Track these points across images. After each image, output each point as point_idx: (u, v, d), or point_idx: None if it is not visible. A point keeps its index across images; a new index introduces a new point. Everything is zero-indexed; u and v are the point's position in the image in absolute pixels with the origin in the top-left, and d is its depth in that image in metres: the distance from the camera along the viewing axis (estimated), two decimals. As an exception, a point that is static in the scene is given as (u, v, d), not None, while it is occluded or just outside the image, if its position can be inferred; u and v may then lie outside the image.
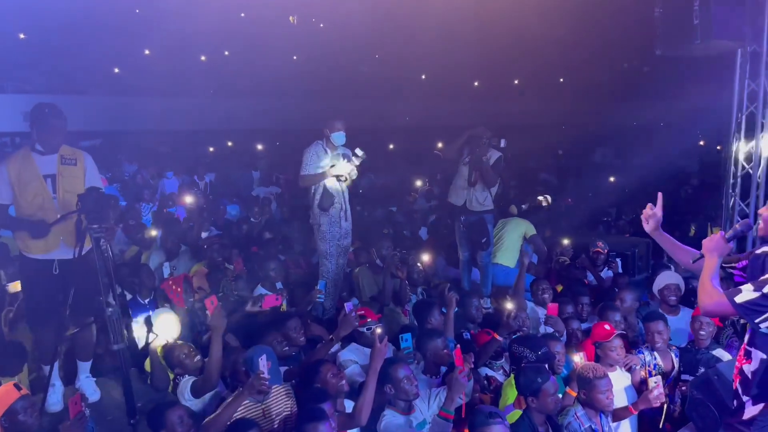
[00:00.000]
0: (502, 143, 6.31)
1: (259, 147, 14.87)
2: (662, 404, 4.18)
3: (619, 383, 4.23)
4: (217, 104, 16.20)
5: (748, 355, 2.69)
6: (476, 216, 6.36)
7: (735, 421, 2.76)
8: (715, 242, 2.72)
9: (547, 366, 4.11)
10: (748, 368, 2.68)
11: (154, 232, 7.29)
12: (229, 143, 16.48)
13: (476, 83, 21.05)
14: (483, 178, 6.21)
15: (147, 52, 16.14)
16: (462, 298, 5.50)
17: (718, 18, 6.20)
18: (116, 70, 16.57)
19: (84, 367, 4.28)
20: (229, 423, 3.39)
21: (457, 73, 18.54)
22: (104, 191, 4.10)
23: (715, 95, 8.03)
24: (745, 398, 2.70)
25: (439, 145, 15.36)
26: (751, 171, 7.19)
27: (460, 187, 6.40)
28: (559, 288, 6.32)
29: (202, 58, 16.52)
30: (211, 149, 15.74)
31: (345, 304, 4.63)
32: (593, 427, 3.79)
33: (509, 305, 4.79)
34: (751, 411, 2.67)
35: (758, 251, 2.72)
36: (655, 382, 4.10)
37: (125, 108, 15.58)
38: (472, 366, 3.76)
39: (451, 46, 15.70)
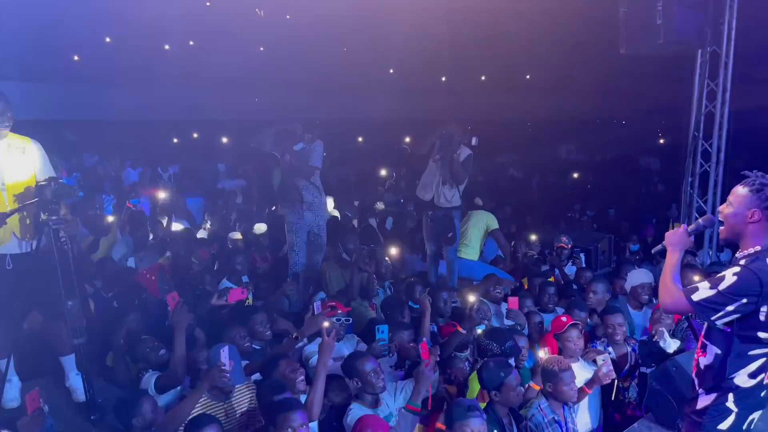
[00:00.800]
0: (474, 141, 6.32)
1: (224, 140, 14.65)
2: (613, 381, 4.31)
3: (580, 375, 4.31)
4: (181, 94, 15.89)
5: (704, 349, 2.76)
6: (443, 211, 6.40)
7: (689, 411, 2.82)
8: (678, 236, 2.78)
9: (513, 359, 4.17)
10: (703, 361, 2.75)
11: (111, 218, 7.20)
12: (195, 135, 16.19)
13: (444, 78, 21.12)
14: (452, 175, 6.25)
15: (108, 39, 15.72)
16: (430, 293, 5.57)
17: (680, 19, 6.36)
18: (76, 58, 16.10)
19: (69, 364, 4.05)
20: (188, 419, 3.34)
21: (424, 68, 18.56)
22: (63, 181, 3.97)
23: (675, 94, 8.22)
24: (699, 389, 2.78)
25: (407, 139, 15.41)
26: (709, 169, 7.40)
27: (428, 183, 6.43)
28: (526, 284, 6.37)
29: (166, 47, 16.15)
30: (176, 140, 15.44)
31: (314, 304, 4.59)
32: (556, 418, 3.85)
33: (472, 298, 4.86)
34: (704, 401, 2.74)
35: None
36: (603, 360, 4.22)
37: (85, 97, 15.18)
38: (438, 359, 3.78)
39: (419, 41, 15.71)
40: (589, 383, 4.19)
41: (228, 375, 3.49)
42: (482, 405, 3.75)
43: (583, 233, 8.44)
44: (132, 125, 14.85)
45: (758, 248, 2.59)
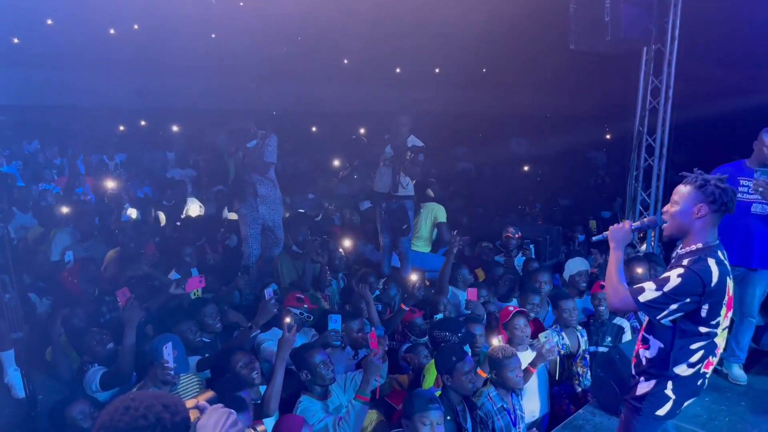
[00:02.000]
0: (421, 157, 6.37)
1: (175, 128, 14.28)
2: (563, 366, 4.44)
3: (528, 362, 4.42)
4: (126, 80, 15.39)
5: (645, 342, 2.85)
6: (397, 203, 6.44)
7: (629, 397, 2.91)
8: (623, 233, 2.85)
9: (468, 346, 4.24)
10: (644, 353, 2.85)
11: (65, 209, 6.97)
12: (143, 122, 15.73)
13: (398, 70, 21.11)
14: (406, 171, 6.31)
15: (50, 22, 15.06)
16: (384, 284, 5.65)
17: (626, 17, 6.52)
18: (15, 41, 15.37)
19: (8, 359, 3.95)
20: None
21: (379, 60, 18.52)
22: (3, 170, 3.81)
23: (622, 90, 8.44)
24: (639, 377, 2.87)
25: (362, 130, 15.38)
26: (652, 163, 7.65)
27: (384, 175, 6.45)
28: (480, 274, 6.42)
29: (111, 31, 15.58)
30: (122, 128, 14.96)
31: (265, 291, 4.56)
32: (505, 406, 3.93)
33: (414, 277, 4.93)
34: (643, 388, 2.83)
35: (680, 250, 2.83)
36: (546, 337, 4.34)
37: (25, 81, 14.54)
38: (387, 348, 3.80)
39: (373, 32, 15.66)
40: (534, 361, 4.30)
41: (171, 373, 3.44)
42: (437, 393, 3.80)
43: (532, 225, 8.62)
44: (75, 112, 14.32)
45: (700, 245, 2.69)
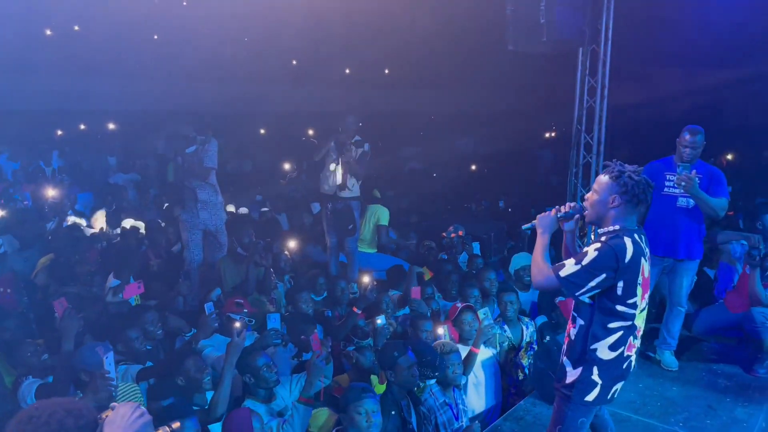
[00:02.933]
0: (366, 147, 6.39)
1: (111, 126, 13.91)
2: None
3: (480, 354, 4.51)
4: (65, 83, 14.87)
5: (573, 321, 2.98)
6: (343, 203, 6.45)
7: (560, 386, 3.00)
8: (548, 220, 2.99)
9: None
10: (573, 332, 2.97)
11: (1, 213, 6.76)
12: (82, 126, 15.24)
13: (347, 70, 21.11)
14: (350, 171, 6.34)
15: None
16: (330, 283, 5.65)
17: (561, 18, 6.69)
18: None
19: None
20: None
21: (328, 60, 18.47)
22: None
23: (565, 89, 8.65)
24: (567, 366, 2.96)
25: (310, 131, 15.31)
26: (591, 160, 7.89)
27: (329, 176, 6.45)
28: (425, 272, 6.48)
29: (48, 32, 15.05)
30: (60, 132, 14.47)
31: (205, 306, 4.50)
32: (447, 401, 4.01)
33: (366, 279, 4.97)
34: (571, 376, 2.93)
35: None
36: (484, 314, 4.47)
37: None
38: (330, 350, 3.82)
39: (322, 32, 15.62)
40: (475, 341, 4.42)
41: (114, 384, 3.36)
42: (383, 387, 3.85)
43: (478, 222, 8.78)
44: (9, 116, 13.78)
45: (617, 227, 2.82)
